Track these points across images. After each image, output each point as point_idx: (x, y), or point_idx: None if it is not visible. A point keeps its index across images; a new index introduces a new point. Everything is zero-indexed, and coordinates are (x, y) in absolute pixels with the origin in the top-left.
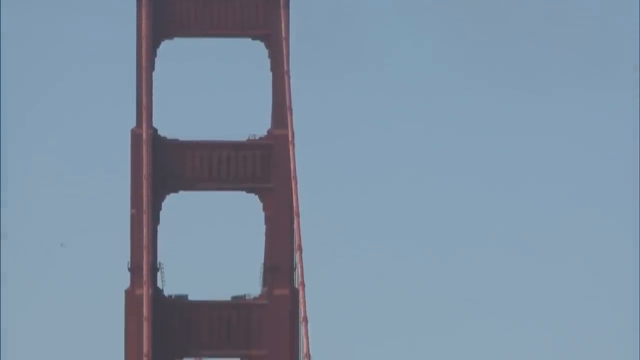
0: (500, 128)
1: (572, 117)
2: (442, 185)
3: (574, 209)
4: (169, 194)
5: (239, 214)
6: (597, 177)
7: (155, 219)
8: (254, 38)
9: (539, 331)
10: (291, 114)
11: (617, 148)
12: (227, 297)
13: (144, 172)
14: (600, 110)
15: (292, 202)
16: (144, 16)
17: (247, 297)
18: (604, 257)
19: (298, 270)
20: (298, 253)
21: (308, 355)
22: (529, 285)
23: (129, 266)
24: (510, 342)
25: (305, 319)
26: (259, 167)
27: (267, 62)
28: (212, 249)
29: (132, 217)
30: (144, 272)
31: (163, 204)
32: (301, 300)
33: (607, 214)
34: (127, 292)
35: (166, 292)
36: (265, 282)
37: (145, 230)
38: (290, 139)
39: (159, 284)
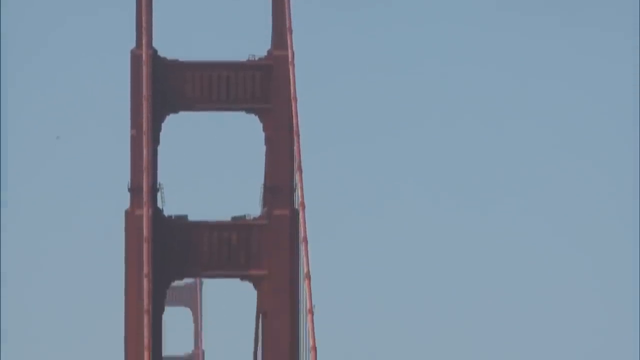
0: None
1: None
2: (446, 79)
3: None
4: (168, 114)
5: (239, 134)
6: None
7: (155, 140)
8: None
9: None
10: (291, 35)
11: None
12: (227, 217)
13: (144, 92)
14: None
15: (292, 122)
16: None
17: (247, 218)
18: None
19: (298, 190)
20: (298, 173)
21: (308, 275)
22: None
23: (129, 187)
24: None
25: (305, 240)
26: (259, 87)
27: None
28: (212, 169)
29: (132, 138)
30: (144, 192)
31: (163, 125)
32: (301, 220)
33: None
34: (127, 213)
35: (166, 213)
36: (265, 202)
37: (145, 151)
38: (290, 59)
39: (159, 205)
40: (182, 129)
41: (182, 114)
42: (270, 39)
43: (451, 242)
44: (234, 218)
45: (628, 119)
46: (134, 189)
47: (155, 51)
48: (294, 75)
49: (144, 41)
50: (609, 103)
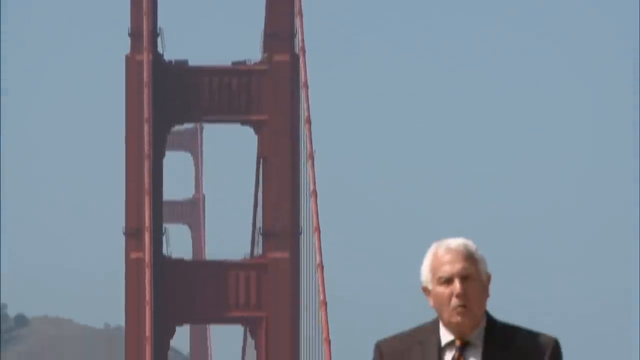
0: None
1: None
2: None
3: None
4: None
5: None
6: None
7: None
8: None
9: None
10: None
11: None
12: (227, 62)
13: None
14: None
15: None
16: None
17: (247, 63)
18: None
19: (298, 35)
20: (298, 18)
21: (308, 120)
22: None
23: (129, 32)
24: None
25: (306, 84)
26: None
27: None
28: (213, 15)
29: None
30: (144, 37)
31: None
32: (301, 65)
33: None
34: (127, 58)
35: (166, 58)
36: (266, 48)
37: None
38: None
39: (159, 50)
40: None
41: None
42: None
43: (450, 82)
44: (234, 63)
45: None
46: (134, 34)
47: None
48: None
49: None
50: None
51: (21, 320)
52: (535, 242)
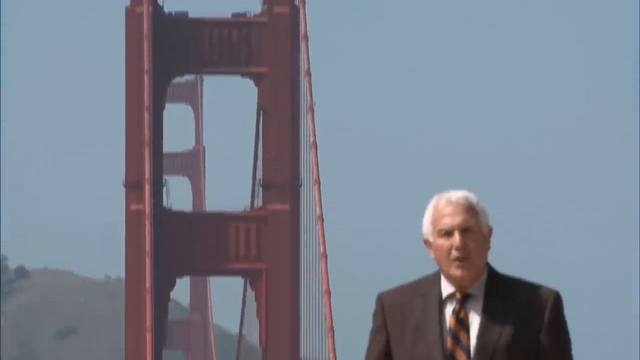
0: None
1: None
2: None
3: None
4: None
5: None
6: None
7: None
8: None
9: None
10: None
11: None
12: (227, 14)
13: None
14: None
15: None
16: None
17: (247, 15)
18: None
19: None
20: None
21: (308, 72)
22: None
23: None
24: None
25: (306, 36)
26: None
27: None
28: None
29: None
30: None
31: None
32: (301, 17)
33: None
34: (127, 10)
35: (166, 10)
36: (265, 0)
37: None
38: None
39: (159, 2)
40: None
41: None
42: None
43: (452, 36)
44: (234, 15)
45: None
46: None
47: None
48: None
49: None
50: None
51: (21, 272)
52: (534, 188)
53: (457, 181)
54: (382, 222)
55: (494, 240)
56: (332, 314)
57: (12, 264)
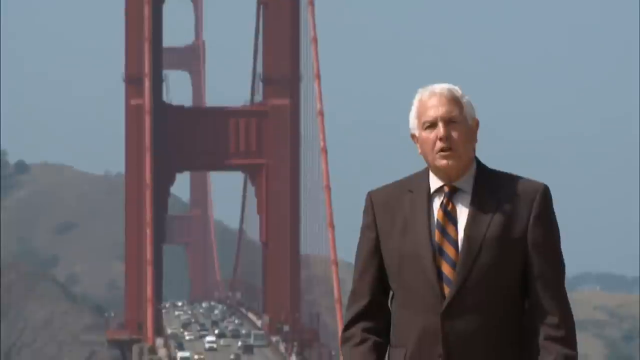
0: None
1: None
2: None
3: None
4: None
5: None
6: None
7: None
8: None
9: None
10: None
11: None
12: None
13: None
14: None
15: None
16: None
17: None
18: None
19: None
20: None
21: None
22: None
23: None
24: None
25: None
26: None
27: None
28: None
29: None
30: None
31: None
32: None
33: None
34: None
35: None
36: None
37: None
38: None
39: None
40: None
41: None
42: None
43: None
44: None
45: None
46: None
47: None
48: None
49: None
50: None
51: (21, 166)
52: (527, 88)
53: (455, 74)
54: (383, 117)
55: None
56: (332, 209)
57: (12, 158)
